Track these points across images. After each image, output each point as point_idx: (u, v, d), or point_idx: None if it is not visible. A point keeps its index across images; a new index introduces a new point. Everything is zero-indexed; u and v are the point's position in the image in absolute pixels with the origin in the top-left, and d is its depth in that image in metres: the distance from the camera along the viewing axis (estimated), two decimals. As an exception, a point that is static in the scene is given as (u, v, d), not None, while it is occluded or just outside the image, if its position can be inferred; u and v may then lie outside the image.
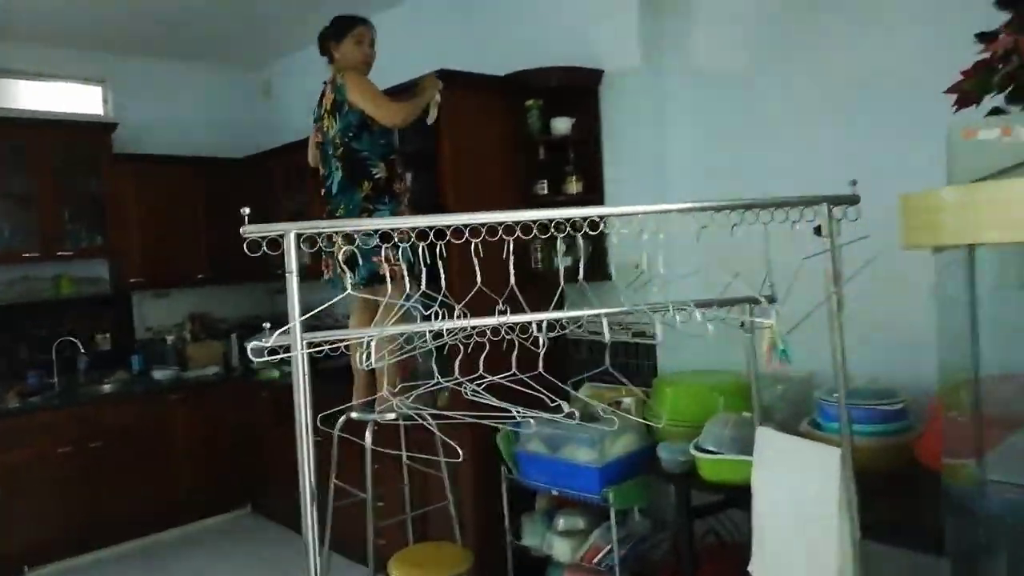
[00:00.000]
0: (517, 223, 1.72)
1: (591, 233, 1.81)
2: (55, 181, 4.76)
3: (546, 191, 3.52)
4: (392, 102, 3.00)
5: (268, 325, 2.00)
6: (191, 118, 5.66)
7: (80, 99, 5.28)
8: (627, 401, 3.46)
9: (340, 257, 2.98)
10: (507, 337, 1.94)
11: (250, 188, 5.49)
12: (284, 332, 1.61)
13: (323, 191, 3.17)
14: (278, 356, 1.65)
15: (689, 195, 1.92)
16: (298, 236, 1.57)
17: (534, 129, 3.52)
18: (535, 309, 1.98)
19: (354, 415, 3.29)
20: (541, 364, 1.86)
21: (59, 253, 4.78)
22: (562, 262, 3.51)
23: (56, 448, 4.43)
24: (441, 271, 1.77)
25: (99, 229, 4.99)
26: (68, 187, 4.86)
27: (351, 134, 2.98)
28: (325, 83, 3.12)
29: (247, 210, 1.59)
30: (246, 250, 1.58)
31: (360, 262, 2.92)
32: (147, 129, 5.38)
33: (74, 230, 4.92)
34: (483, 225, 1.77)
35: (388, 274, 2.85)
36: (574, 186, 3.50)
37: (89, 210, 4.99)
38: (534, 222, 1.74)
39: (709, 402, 2.94)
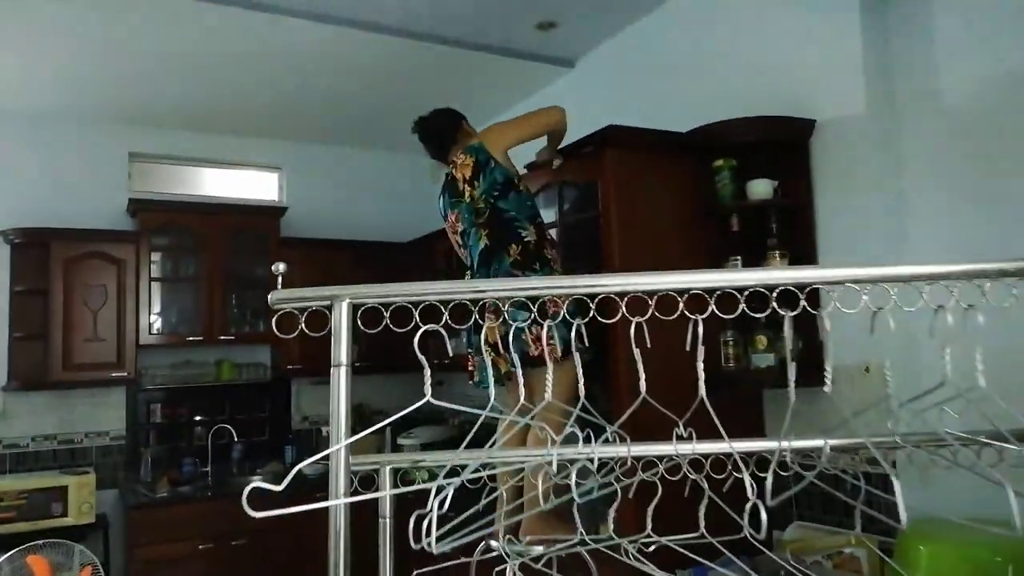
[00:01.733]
0: (711, 291, 1.07)
1: (809, 310, 1.11)
2: (224, 265, 4.72)
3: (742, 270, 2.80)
4: (524, 115, 2.79)
5: (325, 431, 1.50)
6: (360, 202, 5.56)
7: (257, 185, 5.34)
8: (854, 552, 2.57)
9: (488, 339, 2.47)
10: (690, 477, 1.27)
11: (412, 271, 5.21)
12: (320, 459, 1.05)
13: (466, 274, 2.70)
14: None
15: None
16: (354, 307, 1.03)
17: (725, 194, 2.84)
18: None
19: (494, 544, 2.66)
20: (747, 524, 1.16)
21: (222, 337, 4.69)
22: (762, 359, 2.76)
23: (198, 544, 4.17)
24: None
25: (263, 315, 4.88)
26: (235, 272, 4.81)
27: (496, 192, 2.60)
28: (450, 170, 2.76)
29: (281, 266, 1.09)
30: (275, 329, 1.08)
31: (511, 341, 2.42)
32: (316, 214, 5.32)
33: (238, 315, 4.83)
34: (651, 294, 1.14)
35: (544, 354, 2.35)
36: (778, 263, 2.75)
37: (253, 295, 4.91)
38: (740, 291, 1.08)
39: (990, 574, 2.02)
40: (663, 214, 2.82)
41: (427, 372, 1.14)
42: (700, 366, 1.16)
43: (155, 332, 4.53)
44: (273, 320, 1.13)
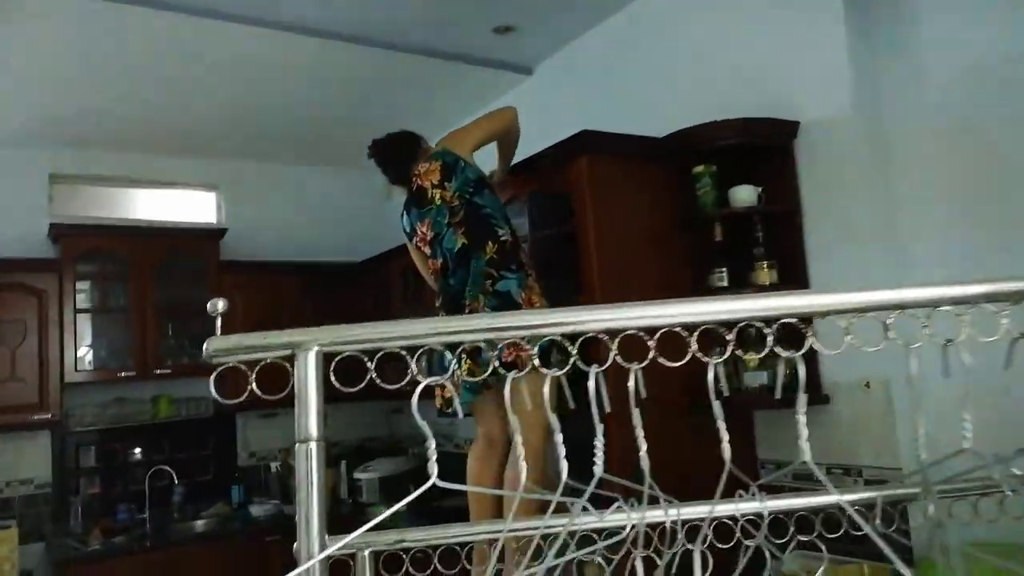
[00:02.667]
0: (713, 324, 0.85)
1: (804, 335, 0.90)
2: (157, 293, 4.35)
3: (726, 282, 2.62)
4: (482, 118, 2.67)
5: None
6: (306, 222, 5.23)
7: (192, 206, 4.98)
8: (863, 583, 2.39)
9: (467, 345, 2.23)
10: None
11: (365, 295, 4.92)
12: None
13: (436, 279, 2.49)
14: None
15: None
16: (323, 356, 0.80)
17: (707, 202, 2.66)
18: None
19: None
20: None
21: (158, 371, 4.31)
22: (753, 378, 2.57)
23: (136, 601, 3.77)
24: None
25: (202, 344, 4.50)
26: (171, 299, 4.44)
27: (471, 189, 2.46)
28: (413, 179, 2.57)
29: (220, 304, 0.84)
30: (213, 390, 0.83)
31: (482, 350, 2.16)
32: (259, 235, 4.98)
33: (175, 346, 4.46)
34: (645, 330, 0.90)
35: (517, 361, 2.14)
36: (765, 275, 2.58)
37: (192, 323, 4.54)
38: (750, 325, 0.86)
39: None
40: (642, 225, 2.63)
41: (431, 445, 0.89)
42: (719, 413, 0.92)
43: (83, 368, 4.13)
44: (211, 378, 0.86)
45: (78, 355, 4.10)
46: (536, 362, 2.28)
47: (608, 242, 2.51)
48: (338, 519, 4.43)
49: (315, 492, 0.81)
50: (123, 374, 4.22)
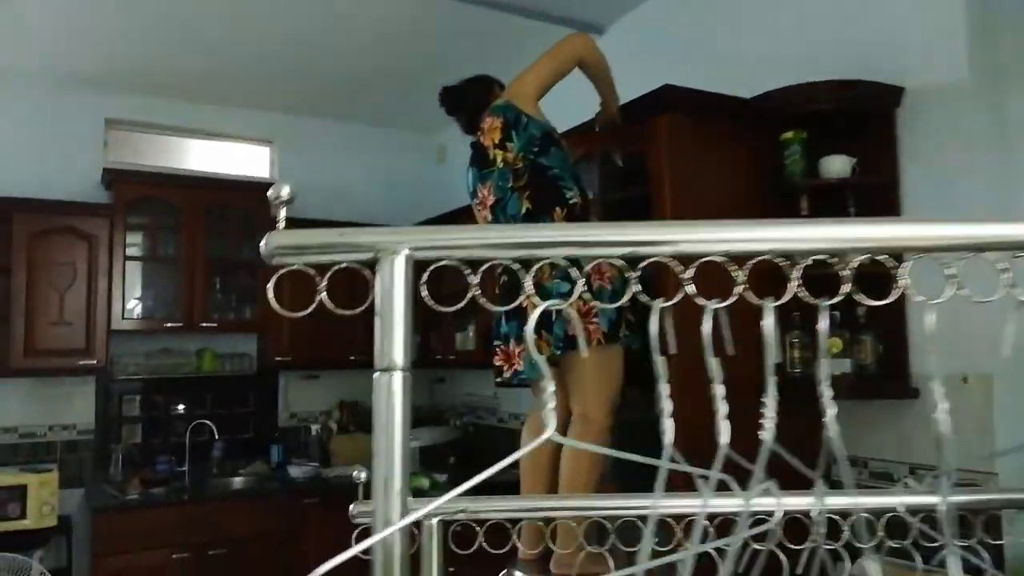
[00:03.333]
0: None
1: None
2: (208, 245, 4.28)
3: (811, 260, 2.40)
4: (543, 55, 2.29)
5: (361, 477, 1.14)
6: (360, 182, 5.12)
7: (246, 160, 4.89)
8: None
9: (532, 318, 2.07)
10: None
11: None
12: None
13: None
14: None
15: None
16: (413, 262, 0.63)
17: (794, 171, 2.44)
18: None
19: (517, 574, 2.26)
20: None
21: (203, 324, 4.25)
22: (835, 365, 2.37)
23: (172, 554, 3.74)
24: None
25: (249, 301, 4.44)
26: (220, 253, 4.37)
27: (536, 148, 2.20)
28: (476, 139, 2.36)
29: (285, 191, 0.69)
30: (272, 297, 0.67)
31: (553, 317, 2.09)
32: (312, 193, 4.86)
33: (222, 300, 4.40)
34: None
35: (584, 335, 2.04)
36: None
37: (240, 279, 4.48)
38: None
39: None
40: (721, 193, 2.42)
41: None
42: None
43: (129, 317, 4.09)
44: (270, 284, 0.72)
45: (126, 303, 4.05)
46: (602, 337, 2.12)
47: (684, 210, 2.31)
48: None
49: (398, 439, 0.65)
50: (169, 325, 4.17)
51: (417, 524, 0.90)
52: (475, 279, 0.67)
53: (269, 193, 0.70)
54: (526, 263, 2.06)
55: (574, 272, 2.16)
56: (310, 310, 0.70)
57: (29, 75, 4.15)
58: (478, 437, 4.67)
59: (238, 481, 4.33)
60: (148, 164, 4.53)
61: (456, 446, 4.59)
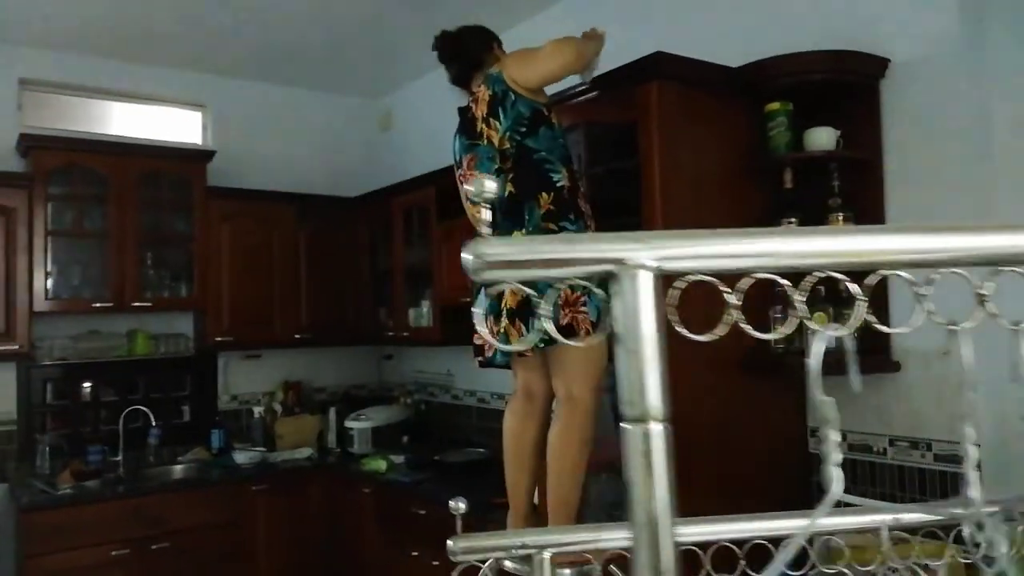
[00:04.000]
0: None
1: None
2: (139, 218, 3.96)
3: (796, 235, 2.37)
4: (555, 44, 2.12)
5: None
6: (301, 150, 4.85)
7: (175, 126, 4.55)
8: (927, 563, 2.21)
9: (508, 303, 2.03)
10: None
11: (361, 230, 4.60)
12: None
13: (477, 224, 2.18)
14: None
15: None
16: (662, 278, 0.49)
17: (779, 144, 2.39)
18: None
19: (508, 565, 2.16)
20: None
21: (135, 304, 3.95)
22: (820, 341, 2.34)
23: (110, 550, 3.49)
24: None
25: (185, 277, 4.16)
26: (152, 225, 4.06)
27: (523, 129, 2.08)
28: (468, 104, 2.22)
29: (489, 184, 0.57)
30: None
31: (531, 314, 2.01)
32: (247, 162, 4.59)
33: (155, 277, 4.10)
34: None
35: (576, 322, 1.98)
36: (840, 227, 2.33)
37: (174, 253, 4.18)
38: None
39: None
40: (708, 166, 2.36)
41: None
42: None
43: (53, 297, 3.75)
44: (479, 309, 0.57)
45: (48, 283, 3.72)
46: (590, 327, 2.03)
47: (673, 182, 2.24)
48: (327, 468, 4.18)
49: (661, 502, 0.52)
50: (98, 305, 3.86)
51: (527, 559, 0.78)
52: (734, 299, 0.55)
53: (472, 189, 0.56)
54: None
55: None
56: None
57: (-74, 28, 3.72)
58: (431, 415, 4.54)
59: (178, 469, 4.08)
60: (68, 129, 4.14)
61: (408, 425, 4.45)
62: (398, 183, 4.27)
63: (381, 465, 3.85)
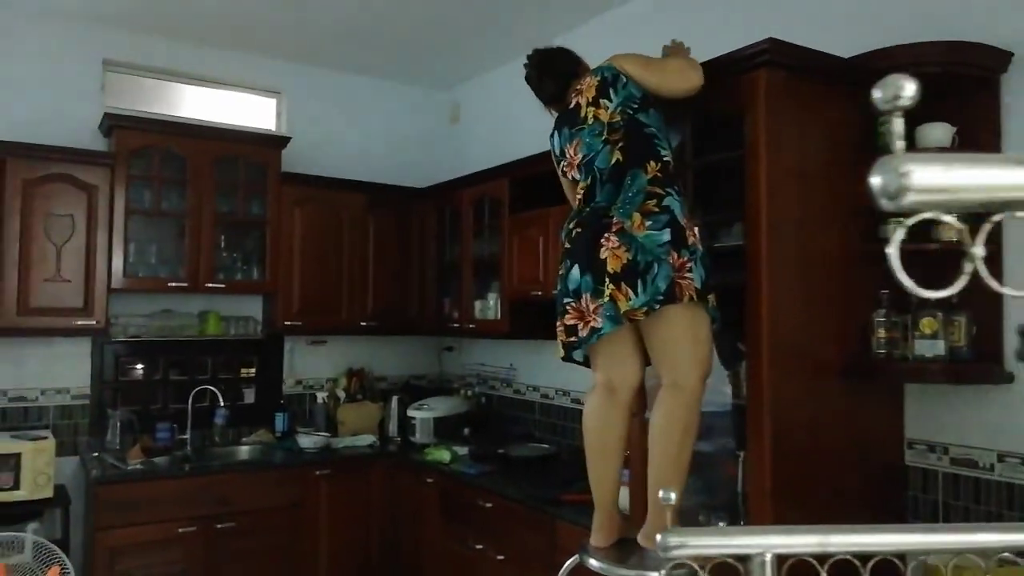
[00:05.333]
0: None
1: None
2: (213, 200, 4.00)
3: (904, 234, 2.26)
4: (688, 64, 2.20)
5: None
6: (369, 140, 4.86)
7: (249, 111, 4.59)
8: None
9: (610, 267, 1.99)
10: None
11: (429, 223, 4.59)
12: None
13: (578, 203, 2.19)
14: None
15: None
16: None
17: (890, 138, 2.28)
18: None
19: (593, 564, 2.11)
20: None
21: (209, 285, 3.99)
22: (928, 347, 2.24)
23: (177, 527, 3.53)
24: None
25: (256, 260, 4.19)
26: (227, 208, 4.09)
27: (635, 105, 2.12)
28: (571, 95, 2.26)
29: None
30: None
31: (652, 269, 1.98)
32: (318, 150, 4.61)
33: (228, 260, 4.14)
34: None
35: (680, 288, 1.98)
36: (953, 233, 2.21)
37: (247, 237, 4.22)
38: None
39: None
40: (814, 161, 2.27)
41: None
42: None
43: (130, 275, 3.81)
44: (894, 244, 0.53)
45: (127, 260, 3.77)
46: (694, 294, 2.00)
47: (778, 175, 2.16)
48: (388, 456, 4.17)
49: None
50: (173, 284, 3.90)
51: (743, 559, 0.72)
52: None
53: (879, 94, 0.51)
54: (604, 211, 1.83)
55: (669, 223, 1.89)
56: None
57: (20, 9, 3.80)
58: (492, 408, 4.50)
59: (244, 450, 4.12)
60: (145, 110, 4.21)
61: (469, 417, 4.42)
62: (469, 174, 4.23)
63: (445, 456, 3.82)
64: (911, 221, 0.51)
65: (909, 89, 0.50)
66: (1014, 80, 2.24)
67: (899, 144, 0.50)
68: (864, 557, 0.73)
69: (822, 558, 0.75)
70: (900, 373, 2.30)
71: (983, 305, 2.20)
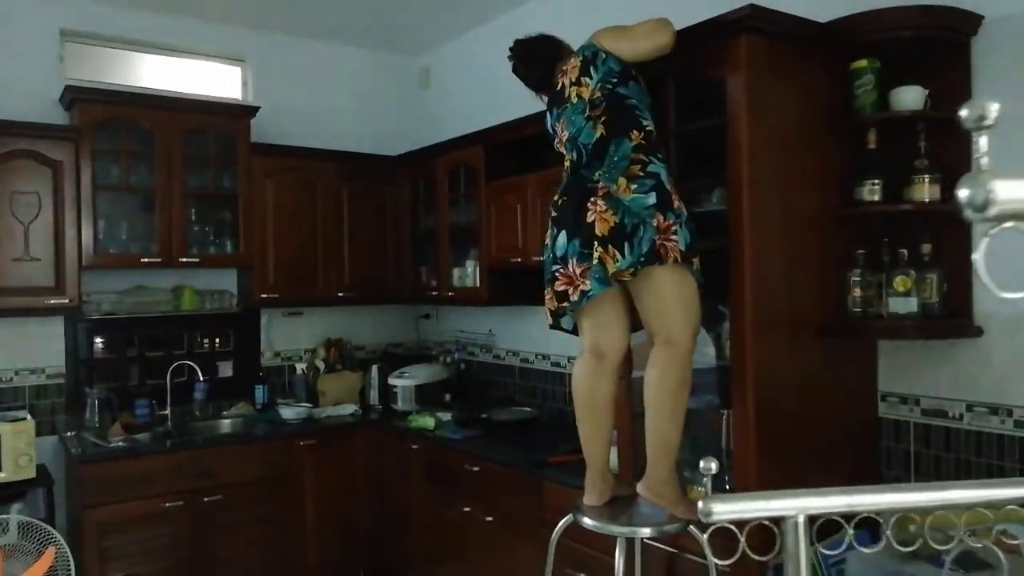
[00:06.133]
0: None
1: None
2: (183, 173, 3.93)
3: (879, 196, 2.33)
4: (654, 24, 2.22)
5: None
6: (339, 108, 4.79)
7: (213, 80, 4.49)
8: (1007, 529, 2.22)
9: (598, 230, 2.05)
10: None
11: (404, 191, 4.57)
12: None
13: (566, 175, 2.25)
14: None
15: None
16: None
17: (864, 103, 2.34)
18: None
19: (587, 522, 2.19)
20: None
21: (182, 260, 3.93)
22: (901, 304, 2.32)
23: (163, 502, 3.54)
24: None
25: (229, 233, 4.14)
26: (197, 182, 4.03)
27: (614, 80, 2.16)
28: (558, 78, 2.31)
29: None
30: None
31: (639, 232, 2.07)
32: (287, 119, 4.54)
33: (200, 233, 4.08)
34: None
35: (661, 251, 2.06)
36: (926, 190, 2.29)
37: (219, 210, 4.16)
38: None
39: None
40: (793, 124, 2.32)
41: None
42: None
43: (101, 252, 3.74)
44: (979, 251, 0.56)
45: (97, 236, 3.70)
46: (679, 255, 2.07)
47: (759, 141, 2.20)
48: (371, 424, 4.21)
49: None
50: (146, 260, 3.85)
51: (777, 522, 0.77)
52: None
53: (965, 114, 0.53)
54: (588, 179, 1.89)
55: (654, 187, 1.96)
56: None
57: (-32, -24, 3.65)
58: (472, 374, 4.55)
59: (225, 423, 4.12)
60: (106, 82, 4.09)
61: (450, 383, 4.47)
62: (443, 142, 4.21)
63: (429, 422, 3.87)
64: (995, 231, 0.55)
65: (993, 110, 0.55)
66: (983, 43, 2.30)
67: (985, 161, 0.53)
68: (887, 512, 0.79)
69: (849, 516, 0.81)
70: (875, 331, 2.39)
71: (955, 263, 2.29)
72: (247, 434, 3.97)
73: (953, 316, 2.31)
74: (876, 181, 2.33)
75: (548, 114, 2.35)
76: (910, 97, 2.30)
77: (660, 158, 2.13)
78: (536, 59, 2.37)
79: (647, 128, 2.15)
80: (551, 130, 2.34)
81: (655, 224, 2.05)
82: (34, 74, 3.84)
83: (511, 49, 2.43)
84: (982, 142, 0.55)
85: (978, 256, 0.59)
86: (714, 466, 0.80)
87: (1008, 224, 0.54)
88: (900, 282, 2.31)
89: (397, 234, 4.60)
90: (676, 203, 2.11)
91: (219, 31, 4.38)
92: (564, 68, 2.28)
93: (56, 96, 3.82)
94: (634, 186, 2.06)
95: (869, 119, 2.34)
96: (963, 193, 0.51)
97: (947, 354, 2.40)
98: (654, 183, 2.06)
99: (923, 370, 2.46)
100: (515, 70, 2.42)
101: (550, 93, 2.34)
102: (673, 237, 2.07)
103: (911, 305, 2.30)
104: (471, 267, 4.06)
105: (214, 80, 4.49)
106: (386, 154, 4.63)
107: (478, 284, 3.97)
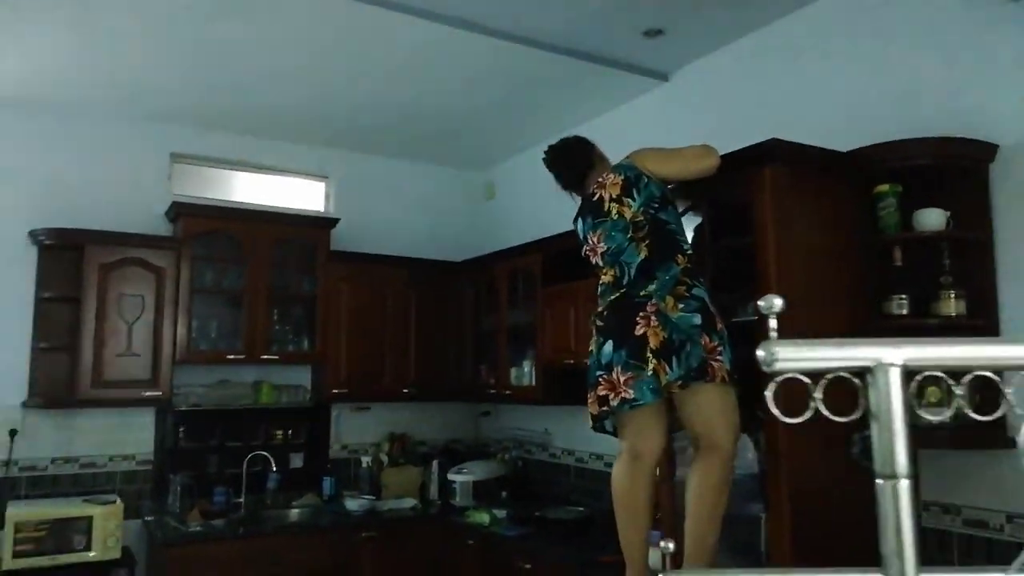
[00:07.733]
0: None
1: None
2: (268, 278, 4.33)
3: (905, 310, 2.47)
4: (702, 148, 2.45)
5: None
6: (409, 218, 5.20)
7: (298, 194, 4.96)
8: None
9: (652, 343, 2.22)
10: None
11: (467, 295, 4.86)
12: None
13: (606, 287, 2.43)
14: None
15: None
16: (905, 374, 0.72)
17: (889, 224, 2.51)
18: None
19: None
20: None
21: (263, 356, 4.29)
22: (933, 414, 2.40)
23: (233, 586, 3.74)
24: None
25: (306, 332, 4.49)
26: (280, 285, 4.42)
27: (655, 205, 2.38)
28: (593, 187, 2.52)
29: (778, 303, 0.75)
30: (770, 402, 0.74)
31: (685, 347, 2.23)
32: (363, 229, 4.95)
33: (280, 332, 4.44)
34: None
35: (714, 369, 2.22)
36: (951, 305, 2.42)
37: (297, 311, 4.53)
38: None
39: None
40: (820, 244, 2.49)
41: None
42: None
43: (193, 348, 4.12)
44: (770, 392, 0.77)
45: (192, 335, 4.10)
46: (725, 375, 2.22)
47: (786, 258, 2.38)
48: (430, 518, 4.35)
49: (908, 541, 0.69)
50: (231, 356, 4.21)
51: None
52: (959, 391, 0.73)
53: (761, 304, 0.75)
54: (635, 295, 2.11)
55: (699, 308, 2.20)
56: (805, 418, 0.75)
57: (96, 109, 4.23)
58: (529, 472, 4.68)
59: (294, 513, 4.34)
60: (206, 197, 4.59)
61: (506, 481, 4.61)
62: (504, 249, 4.52)
63: (484, 518, 4.01)
64: (780, 378, 0.73)
65: (778, 304, 0.74)
66: (1000, 167, 2.46)
67: (774, 334, 0.72)
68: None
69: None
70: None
71: (983, 375, 2.37)
72: (313, 524, 4.18)
73: (986, 426, 2.38)
74: (903, 296, 2.47)
75: (580, 219, 2.55)
76: (932, 219, 2.46)
77: (702, 282, 2.33)
78: (568, 163, 2.62)
79: (688, 252, 2.37)
80: (582, 236, 2.53)
81: (703, 343, 2.23)
82: (146, 191, 4.36)
83: (545, 152, 2.69)
84: (772, 323, 0.73)
85: (769, 394, 0.76)
86: (671, 546, 0.91)
87: (788, 375, 0.72)
88: (931, 392, 2.40)
89: (460, 334, 4.87)
90: (719, 325, 2.29)
91: (306, 151, 4.88)
92: (601, 180, 2.46)
93: (162, 210, 4.31)
94: (681, 305, 2.25)
95: (894, 238, 2.50)
96: (759, 353, 0.70)
97: (985, 464, 2.45)
98: (699, 304, 2.25)
99: (962, 480, 2.50)
100: (549, 169, 2.68)
101: (581, 194, 2.56)
102: (719, 358, 2.24)
103: (942, 415, 2.38)
104: (527, 367, 4.27)
105: (300, 194, 4.96)
106: (451, 260, 4.97)
107: (534, 383, 4.17)
